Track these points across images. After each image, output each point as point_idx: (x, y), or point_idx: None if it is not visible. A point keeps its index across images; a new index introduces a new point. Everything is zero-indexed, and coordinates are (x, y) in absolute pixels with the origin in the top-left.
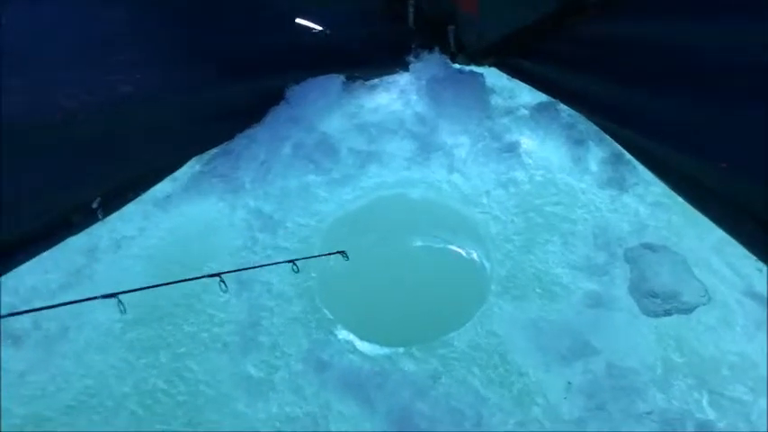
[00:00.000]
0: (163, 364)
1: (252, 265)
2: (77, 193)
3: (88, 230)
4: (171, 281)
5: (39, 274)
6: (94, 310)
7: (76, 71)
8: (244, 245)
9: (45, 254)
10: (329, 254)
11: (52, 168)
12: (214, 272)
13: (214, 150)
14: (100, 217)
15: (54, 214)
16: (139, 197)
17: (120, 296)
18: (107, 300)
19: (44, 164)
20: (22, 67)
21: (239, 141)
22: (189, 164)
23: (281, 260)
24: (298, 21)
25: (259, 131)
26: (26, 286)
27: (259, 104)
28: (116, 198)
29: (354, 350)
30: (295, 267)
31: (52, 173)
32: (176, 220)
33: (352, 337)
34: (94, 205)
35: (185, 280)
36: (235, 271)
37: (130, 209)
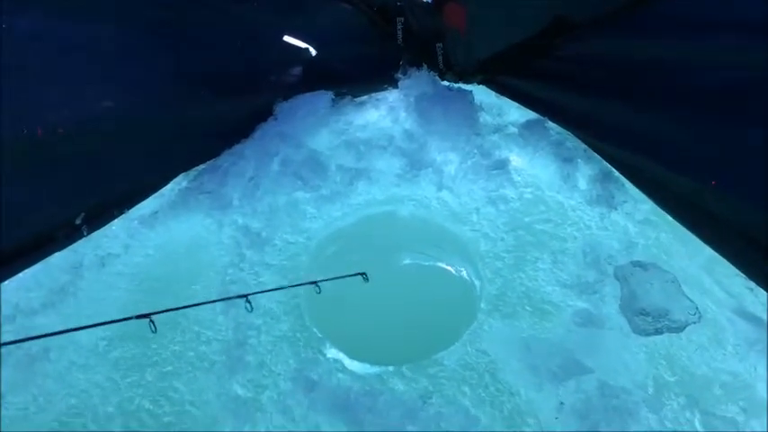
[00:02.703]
0: (149, 383)
1: (273, 288)
2: (61, 209)
3: (72, 247)
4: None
5: (21, 292)
6: None
7: (58, 86)
8: (231, 262)
9: (27, 271)
10: (349, 275)
11: (35, 184)
12: (202, 290)
13: (201, 167)
14: (84, 233)
15: (37, 230)
16: (125, 214)
17: (104, 313)
18: (89, 319)
19: (27, 179)
20: (2, 82)
21: (227, 158)
22: (176, 180)
23: (271, 271)
24: (286, 38)
25: (247, 148)
26: (8, 304)
27: (247, 120)
28: (101, 214)
29: (343, 369)
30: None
31: (35, 188)
32: (163, 237)
33: (341, 355)
34: (78, 221)
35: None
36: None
37: (116, 225)
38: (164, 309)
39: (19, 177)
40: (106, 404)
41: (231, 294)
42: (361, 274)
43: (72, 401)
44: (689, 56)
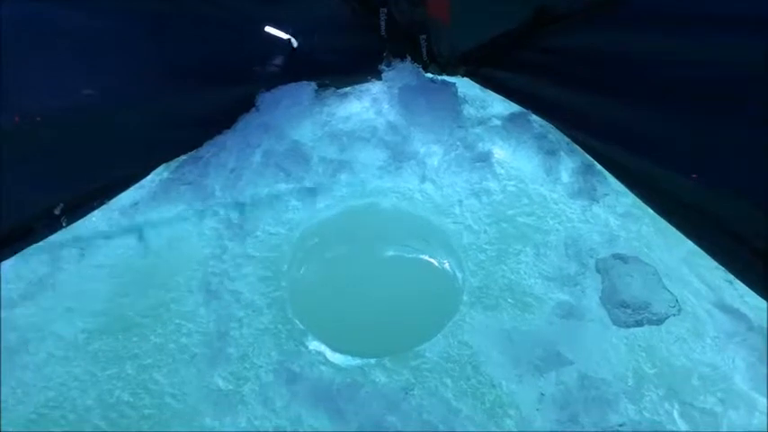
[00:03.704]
0: (129, 375)
1: None
2: (40, 199)
3: (51, 238)
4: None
5: None
6: (56, 321)
7: (37, 74)
8: (212, 253)
9: (5, 262)
10: None
11: (12, 173)
12: (183, 282)
13: (183, 157)
14: (63, 224)
15: (14, 221)
16: (105, 204)
17: (84, 305)
18: (69, 311)
19: (3, 168)
20: None
21: (209, 148)
22: (156, 171)
23: (253, 263)
24: (267, 29)
25: (229, 138)
26: None
27: (229, 111)
28: (80, 205)
29: (326, 361)
30: None
31: (12, 178)
32: (143, 229)
33: (323, 347)
34: (57, 212)
35: None
36: None
37: (96, 216)
38: (144, 300)
39: None
40: (85, 397)
41: (213, 287)
42: None
43: (50, 394)
44: (675, 50)
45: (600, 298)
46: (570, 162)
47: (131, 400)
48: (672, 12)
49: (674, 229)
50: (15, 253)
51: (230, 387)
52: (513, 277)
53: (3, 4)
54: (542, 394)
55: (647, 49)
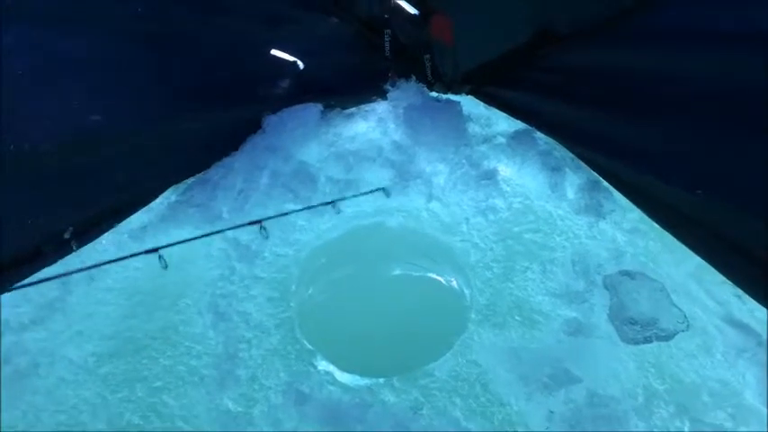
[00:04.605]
0: (139, 398)
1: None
2: (49, 224)
3: (61, 262)
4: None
5: (9, 307)
6: (67, 344)
7: (45, 100)
8: (221, 275)
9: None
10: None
11: (22, 198)
12: (192, 304)
13: (191, 180)
14: (73, 248)
15: (25, 245)
16: (114, 227)
17: (94, 328)
18: (79, 335)
19: (13, 193)
20: None
21: (216, 171)
22: (165, 194)
23: (261, 284)
24: (273, 52)
25: (236, 160)
26: None
27: (236, 133)
28: (90, 228)
29: (334, 381)
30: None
31: (22, 203)
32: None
33: (332, 368)
34: (67, 235)
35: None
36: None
37: (105, 239)
38: (154, 322)
39: (6, 192)
40: (96, 420)
41: (222, 309)
42: (381, 189)
43: (61, 418)
44: (676, 67)
45: (608, 314)
46: (576, 178)
47: (141, 423)
48: (671, 30)
49: (681, 244)
50: (26, 277)
51: (240, 409)
52: (520, 294)
53: (6, 35)
54: (551, 412)
55: (648, 66)
